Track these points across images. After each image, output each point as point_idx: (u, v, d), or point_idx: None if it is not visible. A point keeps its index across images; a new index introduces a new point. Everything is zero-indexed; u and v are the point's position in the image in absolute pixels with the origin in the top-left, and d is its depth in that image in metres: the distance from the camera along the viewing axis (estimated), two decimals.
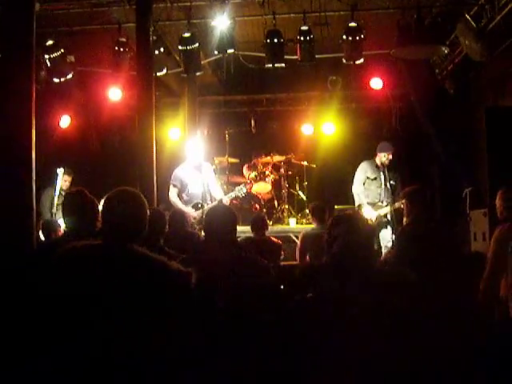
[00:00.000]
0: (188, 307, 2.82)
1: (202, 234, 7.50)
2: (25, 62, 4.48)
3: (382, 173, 8.22)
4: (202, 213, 7.83)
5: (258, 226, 6.95)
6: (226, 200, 8.14)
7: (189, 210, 7.86)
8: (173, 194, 8.13)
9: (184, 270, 2.85)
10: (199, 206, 7.83)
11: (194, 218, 7.80)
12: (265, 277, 4.03)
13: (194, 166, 8.13)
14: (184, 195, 8.16)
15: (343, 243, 3.13)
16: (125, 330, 2.65)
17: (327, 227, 3.33)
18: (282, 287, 4.14)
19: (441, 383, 3.03)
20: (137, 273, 2.75)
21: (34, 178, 4.49)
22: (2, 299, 3.42)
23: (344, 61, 8.45)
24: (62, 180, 8.90)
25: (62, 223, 8.51)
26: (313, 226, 10.08)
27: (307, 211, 10.63)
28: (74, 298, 2.71)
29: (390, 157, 8.15)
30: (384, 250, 7.64)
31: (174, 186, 8.13)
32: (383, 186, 8.21)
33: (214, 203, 8.02)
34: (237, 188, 8.39)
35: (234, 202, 9.74)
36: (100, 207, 3.87)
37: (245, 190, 8.41)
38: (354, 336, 2.83)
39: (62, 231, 7.85)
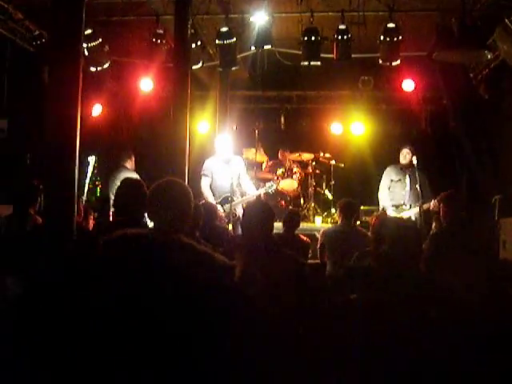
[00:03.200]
0: (231, 300, 2.83)
1: (229, 228, 7.60)
2: (73, 50, 4.54)
3: (407, 175, 8.17)
4: (231, 206, 7.89)
5: (292, 222, 6.90)
6: (260, 195, 8.15)
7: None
8: (204, 185, 8.10)
9: (229, 262, 2.87)
10: (228, 199, 7.86)
11: (224, 212, 7.82)
12: (300, 274, 4.05)
13: (223, 160, 8.15)
14: (212, 186, 8.16)
15: (391, 243, 3.13)
16: (170, 318, 2.67)
17: (373, 227, 3.35)
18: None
19: None
20: (184, 263, 2.76)
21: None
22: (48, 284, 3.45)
23: (380, 61, 8.42)
24: (128, 162, 9.04)
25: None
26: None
27: (333, 210, 10.63)
28: (123, 284, 2.73)
29: (409, 155, 8.08)
30: None
31: (206, 175, 8.11)
32: (408, 188, 8.17)
33: (247, 197, 8.04)
34: (267, 184, 8.41)
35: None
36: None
37: (275, 187, 8.44)
38: (400, 339, 2.83)
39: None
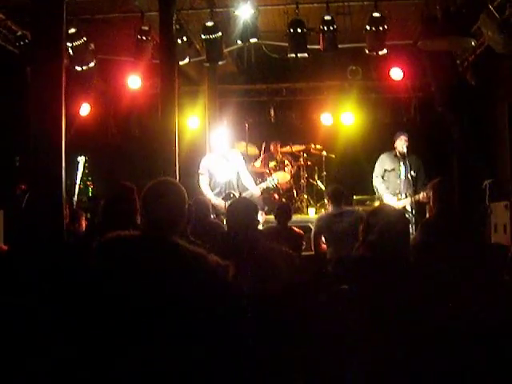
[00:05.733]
0: (226, 300, 2.81)
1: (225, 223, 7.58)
2: (55, 50, 4.51)
3: (402, 163, 8.14)
4: (226, 204, 7.88)
5: (284, 214, 6.90)
6: (258, 191, 8.15)
7: (219, 202, 7.84)
8: (203, 184, 8.07)
9: (222, 262, 2.83)
10: (231, 195, 7.84)
11: (220, 209, 7.79)
12: (290, 267, 4.05)
13: (220, 155, 8.13)
14: (211, 184, 8.14)
15: (379, 232, 3.14)
16: (164, 321, 2.65)
17: (365, 216, 3.36)
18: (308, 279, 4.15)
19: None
20: (177, 266, 2.73)
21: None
22: (39, 290, 3.44)
23: (367, 51, 8.41)
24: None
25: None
26: None
27: (326, 201, 10.63)
28: (115, 288, 2.70)
29: (406, 142, 8.06)
30: None
31: (202, 174, 8.09)
32: (402, 176, 8.14)
33: (248, 193, 8.03)
34: (268, 179, 8.45)
35: None
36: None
37: (276, 181, 8.45)
38: (391, 327, 2.84)
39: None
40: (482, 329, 3.19)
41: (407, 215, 7.83)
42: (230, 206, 4.36)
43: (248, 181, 8.22)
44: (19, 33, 8.89)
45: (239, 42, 8.32)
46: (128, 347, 2.63)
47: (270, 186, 8.41)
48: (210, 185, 8.08)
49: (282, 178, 10.54)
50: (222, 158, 8.10)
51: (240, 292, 2.96)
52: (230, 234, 4.24)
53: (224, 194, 7.95)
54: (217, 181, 8.07)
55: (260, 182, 8.75)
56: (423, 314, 2.94)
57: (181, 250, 2.78)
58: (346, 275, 3.25)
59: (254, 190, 8.13)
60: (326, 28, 8.22)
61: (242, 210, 4.06)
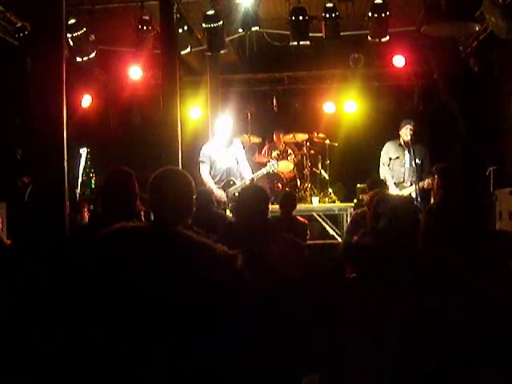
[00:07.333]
0: (235, 290, 2.77)
1: (228, 214, 7.58)
2: (55, 41, 4.48)
3: (406, 151, 8.11)
4: (227, 193, 7.89)
5: (289, 203, 6.86)
6: (257, 177, 8.13)
7: (220, 193, 7.85)
8: (204, 172, 8.06)
9: (230, 252, 2.79)
10: (231, 183, 7.85)
11: (227, 197, 7.82)
12: (300, 256, 4.02)
13: (222, 144, 8.12)
14: (211, 172, 8.13)
15: (387, 220, 3.12)
16: (173, 312, 2.61)
17: (371, 205, 3.35)
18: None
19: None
20: (185, 257, 2.69)
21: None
22: (42, 283, 3.42)
23: (369, 38, 8.35)
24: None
25: None
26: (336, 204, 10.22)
27: (330, 190, 10.63)
28: (123, 280, 2.66)
29: (410, 131, 8.01)
30: None
31: (203, 162, 8.08)
32: (407, 165, 8.12)
33: (244, 181, 8.03)
34: (268, 164, 8.43)
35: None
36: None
37: (276, 166, 8.43)
38: (399, 316, 2.83)
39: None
40: (490, 314, 3.19)
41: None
42: (240, 193, 4.34)
43: (246, 169, 8.21)
44: (19, 24, 8.83)
45: (240, 30, 8.26)
46: (137, 339, 2.61)
47: (270, 171, 8.40)
48: (210, 173, 8.07)
49: (284, 167, 10.52)
50: (222, 146, 8.09)
51: (249, 281, 2.93)
52: (238, 223, 4.21)
53: (224, 182, 7.97)
54: (217, 168, 8.07)
55: None
56: (430, 301, 2.93)
57: (188, 241, 2.74)
58: (353, 263, 3.24)
59: (247, 178, 8.12)
60: (328, 15, 8.17)
61: (252, 198, 4.04)
